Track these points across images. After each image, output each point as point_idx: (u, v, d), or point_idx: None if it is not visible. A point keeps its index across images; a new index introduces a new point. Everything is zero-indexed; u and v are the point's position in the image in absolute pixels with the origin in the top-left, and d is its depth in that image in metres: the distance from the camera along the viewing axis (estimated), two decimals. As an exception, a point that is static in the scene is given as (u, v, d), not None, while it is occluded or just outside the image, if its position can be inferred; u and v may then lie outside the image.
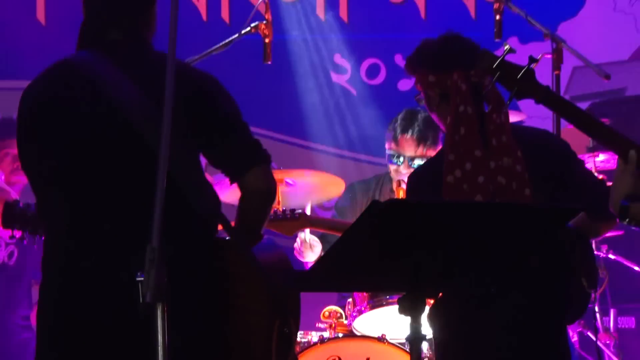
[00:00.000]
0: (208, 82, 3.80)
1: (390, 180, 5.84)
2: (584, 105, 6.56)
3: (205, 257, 3.51)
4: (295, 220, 5.35)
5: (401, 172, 5.66)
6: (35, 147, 3.73)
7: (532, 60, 3.65)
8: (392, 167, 5.73)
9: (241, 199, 3.62)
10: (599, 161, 5.35)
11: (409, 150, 5.64)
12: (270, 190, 3.69)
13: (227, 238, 3.60)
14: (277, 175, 5.57)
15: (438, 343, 4.25)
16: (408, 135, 5.66)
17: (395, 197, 5.62)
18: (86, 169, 3.64)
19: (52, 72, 3.72)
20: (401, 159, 5.65)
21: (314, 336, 5.53)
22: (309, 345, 5.38)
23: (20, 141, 3.74)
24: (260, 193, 3.65)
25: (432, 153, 5.58)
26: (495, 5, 5.71)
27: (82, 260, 3.63)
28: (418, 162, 5.60)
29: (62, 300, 3.66)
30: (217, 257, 3.58)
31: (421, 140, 5.66)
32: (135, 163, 3.62)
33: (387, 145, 5.75)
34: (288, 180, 5.65)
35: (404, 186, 5.47)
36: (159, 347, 3.37)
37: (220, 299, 3.53)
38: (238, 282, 3.50)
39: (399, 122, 5.72)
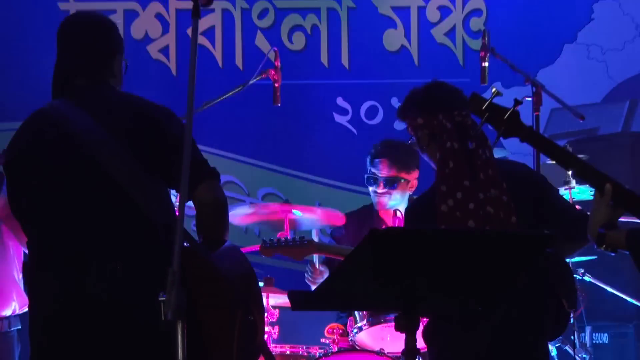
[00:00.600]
0: (165, 114, 3.75)
1: (374, 214, 5.84)
2: (561, 143, 6.49)
3: (163, 265, 3.36)
4: (304, 246, 5.32)
5: (378, 193, 5.65)
6: (14, 188, 3.81)
7: (517, 102, 3.63)
8: (371, 189, 5.68)
9: (196, 213, 3.62)
10: (576, 192, 5.30)
11: (384, 171, 5.60)
12: (217, 201, 3.64)
13: (187, 245, 3.51)
14: (286, 207, 5.56)
15: (431, 357, 4.21)
16: (383, 159, 5.62)
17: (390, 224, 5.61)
18: (57, 204, 3.70)
19: (29, 121, 3.81)
20: (377, 180, 5.60)
21: (318, 350, 5.45)
22: (314, 359, 5.35)
23: (8, 182, 3.81)
24: (209, 205, 3.60)
25: (405, 176, 5.64)
26: (481, 54, 5.70)
27: (44, 276, 3.70)
28: (390, 183, 5.61)
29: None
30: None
31: (395, 162, 5.63)
32: (99, 193, 3.65)
33: (367, 174, 5.71)
34: (295, 213, 5.62)
35: (399, 215, 5.48)
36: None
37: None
38: (198, 283, 3.40)
39: (375, 148, 5.69)
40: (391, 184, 5.62)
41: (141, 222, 3.63)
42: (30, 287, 3.80)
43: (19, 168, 3.80)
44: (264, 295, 5.57)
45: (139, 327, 3.58)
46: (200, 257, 3.49)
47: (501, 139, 3.69)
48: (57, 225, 3.71)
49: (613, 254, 3.52)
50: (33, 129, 3.80)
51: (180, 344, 3.30)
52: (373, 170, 5.62)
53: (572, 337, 5.46)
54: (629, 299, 5.56)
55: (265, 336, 5.38)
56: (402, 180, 5.66)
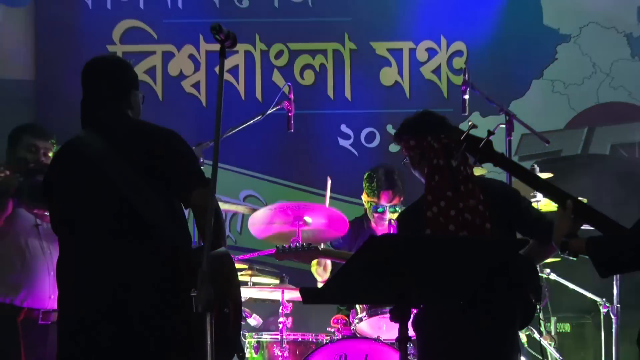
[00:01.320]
0: (170, 136, 3.76)
1: (364, 225, 5.85)
2: (529, 163, 6.51)
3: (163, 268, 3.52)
4: (311, 251, 5.32)
5: (383, 217, 5.66)
6: (50, 204, 3.84)
7: (490, 133, 3.69)
8: (376, 215, 5.69)
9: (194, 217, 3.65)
10: (542, 204, 5.30)
11: (387, 200, 5.64)
12: (207, 206, 3.47)
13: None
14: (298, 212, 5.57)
15: (420, 343, 4.21)
16: (388, 190, 5.64)
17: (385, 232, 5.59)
18: (82, 222, 3.69)
19: (61, 150, 3.91)
20: (381, 208, 5.63)
21: (325, 337, 5.44)
22: (322, 345, 5.31)
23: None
24: (201, 209, 3.51)
25: (402, 198, 5.67)
26: (462, 88, 5.69)
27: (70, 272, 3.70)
28: (394, 208, 5.64)
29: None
30: (175, 263, 3.55)
31: (396, 193, 5.66)
32: (109, 206, 3.63)
33: (368, 198, 5.71)
34: (307, 218, 5.62)
35: (392, 222, 5.49)
36: (208, 346, 3.30)
37: (174, 291, 3.50)
38: (187, 279, 3.33)
39: (378, 182, 5.67)
40: (394, 209, 5.64)
41: (142, 229, 3.61)
42: (59, 284, 3.81)
43: (49, 188, 3.84)
44: (279, 291, 5.56)
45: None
46: (192, 259, 3.43)
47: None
48: (73, 234, 3.71)
49: (575, 258, 3.54)
50: (59, 157, 3.88)
51: (208, 333, 3.30)
52: (379, 201, 5.62)
53: (539, 326, 5.45)
54: (587, 294, 5.53)
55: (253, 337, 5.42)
56: (400, 204, 5.68)
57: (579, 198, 3.57)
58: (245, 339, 5.60)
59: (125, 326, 3.58)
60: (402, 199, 5.64)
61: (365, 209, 5.80)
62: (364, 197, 5.74)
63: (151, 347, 3.54)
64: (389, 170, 5.72)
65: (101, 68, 3.86)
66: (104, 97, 3.77)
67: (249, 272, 5.62)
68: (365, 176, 5.74)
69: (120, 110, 3.77)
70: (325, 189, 5.89)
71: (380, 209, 5.63)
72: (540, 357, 5.59)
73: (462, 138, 3.68)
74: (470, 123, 3.73)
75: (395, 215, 5.57)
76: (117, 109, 3.77)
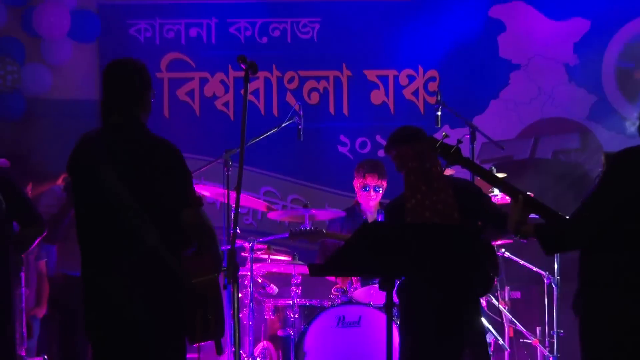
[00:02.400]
0: (168, 150, 3.40)
1: (356, 210, 5.82)
2: (488, 166, 6.50)
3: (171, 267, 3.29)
4: (317, 233, 5.33)
5: (370, 196, 5.66)
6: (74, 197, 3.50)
7: (459, 142, 3.71)
8: (364, 194, 5.67)
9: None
10: (498, 198, 5.29)
11: (372, 182, 5.60)
12: (196, 226, 3.32)
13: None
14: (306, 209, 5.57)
15: (402, 307, 4.21)
16: (373, 173, 5.63)
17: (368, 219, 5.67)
18: (94, 216, 3.38)
19: (80, 141, 3.47)
20: (367, 188, 5.61)
21: (327, 303, 5.43)
22: (325, 308, 5.33)
23: None
24: (190, 227, 3.30)
25: (383, 184, 5.65)
26: (436, 106, 5.69)
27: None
28: (377, 188, 5.62)
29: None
30: (166, 273, 3.28)
31: (380, 176, 5.63)
32: (112, 214, 3.31)
33: (358, 181, 5.70)
34: (313, 210, 5.63)
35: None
36: (235, 311, 3.29)
37: (163, 299, 3.28)
38: (175, 287, 3.25)
39: (365, 167, 5.68)
40: (377, 190, 5.64)
41: (136, 240, 3.28)
42: None
43: (72, 185, 3.52)
44: (291, 266, 5.56)
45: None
46: (178, 272, 3.25)
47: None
48: (89, 229, 3.43)
49: (525, 241, 3.54)
50: (75, 154, 3.47)
51: (235, 298, 3.31)
52: (364, 181, 5.64)
53: (496, 294, 5.45)
54: (534, 268, 5.54)
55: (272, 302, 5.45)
56: (383, 188, 5.69)
57: (528, 193, 3.57)
58: (264, 304, 5.61)
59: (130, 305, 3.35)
60: (384, 183, 5.65)
61: (357, 195, 5.79)
62: (355, 182, 5.74)
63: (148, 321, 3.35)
64: (374, 161, 5.80)
65: (117, 72, 3.46)
66: (114, 101, 3.42)
67: (268, 251, 5.62)
68: (356, 166, 5.75)
69: (128, 115, 3.39)
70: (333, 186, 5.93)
71: (366, 188, 5.64)
72: (497, 318, 5.60)
73: (437, 146, 3.70)
74: (443, 134, 3.77)
75: (379, 195, 5.63)
76: (131, 113, 3.40)
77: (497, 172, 5.68)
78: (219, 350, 3.44)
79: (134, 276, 3.26)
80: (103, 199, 3.26)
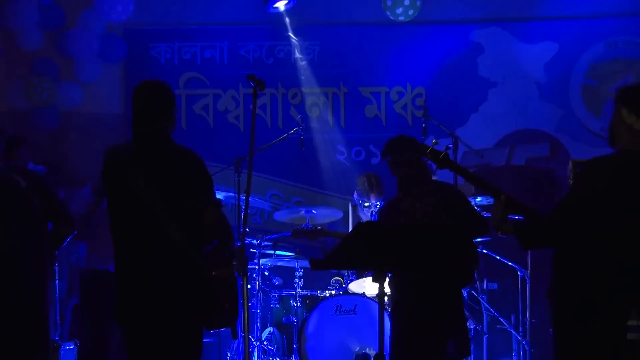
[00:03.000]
0: (190, 158, 3.47)
1: (356, 208, 5.77)
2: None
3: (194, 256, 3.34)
4: (317, 231, 5.31)
5: (370, 208, 5.58)
6: (107, 200, 3.56)
7: (447, 148, 3.70)
8: (365, 207, 5.60)
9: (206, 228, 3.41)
10: (478, 201, 5.27)
11: (374, 199, 5.57)
12: (215, 222, 3.38)
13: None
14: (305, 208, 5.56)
15: (393, 297, 4.20)
16: (373, 194, 5.58)
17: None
18: (126, 218, 3.44)
19: (110, 150, 3.52)
20: (367, 203, 5.53)
21: (326, 293, 5.42)
22: (324, 298, 5.33)
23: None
24: (209, 224, 3.38)
25: (380, 196, 5.59)
26: (422, 119, 5.69)
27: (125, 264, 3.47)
28: (375, 201, 5.55)
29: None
30: (189, 265, 3.33)
31: (378, 195, 5.58)
32: (143, 215, 3.36)
33: (359, 196, 5.65)
34: (314, 211, 5.63)
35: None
36: (244, 300, 3.29)
37: (186, 289, 3.33)
38: (197, 278, 3.31)
39: (366, 186, 5.61)
40: (376, 206, 5.63)
41: (162, 235, 3.34)
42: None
43: (105, 188, 3.57)
44: (295, 260, 5.56)
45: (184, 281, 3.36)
46: (200, 263, 3.31)
47: (439, 170, 3.77)
48: (121, 228, 3.49)
49: (505, 237, 3.53)
50: (108, 162, 3.51)
51: (245, 289, 3.30)
52: (367, 201, 5.57)
53: (476, 285, 5.45)
54: (509, 263, 5.54)
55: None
56: (380, 202, 5.68)
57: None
58: (270, 294, 5.60)
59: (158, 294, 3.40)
60: (381, 197, 5.64)
61: (356, 201, 5.75)
62: (357, 194, 5.69)
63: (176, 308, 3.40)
64: (377, 179, 5.68)
65: (146, 92, 3.53)
66: (143, 116, 3.48)
67: (274, 247, 5.62)
68: (360, 181, 5.68)
69: (156, 128, 3.46)
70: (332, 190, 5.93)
71: (368, 204, 5.60)
72: (477, 307, 5.59)
73: (428, 152, 3.66)
74: (434, 141, 3.72)
75: (377, 207, 5.62)
76: (155, 127, 3.45)
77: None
78: (235, 335, 3.50)
79: (160, 269, 3.30)
80: (133, 201, 3.31)
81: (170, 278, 3.30)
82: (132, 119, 3.48)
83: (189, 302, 3.29)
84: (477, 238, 4.41)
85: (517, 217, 3.68)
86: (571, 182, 3.39)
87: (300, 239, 5.47)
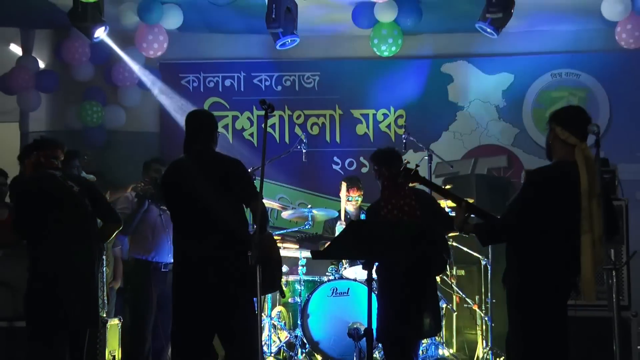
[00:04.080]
0: (239, 167, 3.65)
1: (345, 213, 5.73)
2: (441, 179, 6.52)
3: (236, 242, 3.45)
4: (317, 237, 5.44)
5: (352, 203, 5.65)
6: (168, 201, 3.77)
7: (416, 165, 3.77)
8: (347, 202, 5.66)
9: (252, 215, 3.58)
10: (448, 204, 5.28)
11: (354, 194, 5.61)
12: (258, 211, 3.46)
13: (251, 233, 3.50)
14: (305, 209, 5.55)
15: (379, 282, 4.19)
16: (354, 187, 5.63)
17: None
18: (184, 214, 3.60)
19: (171, 165, 3.78)
20: (350, 198, 5.58)
21: (324, 278, 5.42)
22: (322, 282, 5.32)
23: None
24: (255, 212, 3.47)
25: (361, 194, 5.63)
26: (403, 136, 5.71)
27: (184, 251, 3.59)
28: (357, 198, 5.59)
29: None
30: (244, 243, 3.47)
31: (358, 189, 5.63)
32: (205, 210, 3.51)
33: (343, 193, 5.63)
34: (314, 211, 5.62)
35: (362, 216, 5.50)
36: (259, 289, 3.29)
37: (241, 262, 3.44)
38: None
39: (349, 183, 5.64)
40: (357, 199, 5.65)
41: (222, 224, 3.49)
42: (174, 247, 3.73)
43: (164, 193, 3.76)
44: (299, 251, 5.56)
45: (230, 269, 3.48)
46: (252, 240, 3.38)
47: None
48: (180, 223, 3.64)
49: (467, 235, 3.56)
50: (169, 171, 3.74)
51: (259, 278, 3.31)
52: (349, 194, 5.61)
53: (447, 272, 5.45)
54: (474, 253, 5.53)
55: (284, 278, 5.39)
56: (361, 197, 5.69)
57: (469, 200, 3.58)
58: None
59: (215, 270, 3.50)
60: (361, 193, 5.65)
61: (342, 201, 5.74)
62: (341, 193, 5.69)
63: (232, 282, 3.49)
64: (355, 177, 5.79)
65: (197, 118, 3.77)
66: (197, 136, 3.67)
67: (281, 241, 5.63)
68: (343, 185, 5.74)
69: (207, 145, 3.67)
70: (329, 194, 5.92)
71: (350, 198, 5.63)
72: (448, 290, 5.59)
73: (401, 169, 3.74)
74: (405, 161, 3.82)
75: (358, 202, 5.63)
76: (205, 144, 3.66)
77: (448, 183, 5.70)
78: (282, 295, 3.84)
79: (221, 248, 3.46)
80: (192, 198, 3.49)
81: (228, 254, 3.44)
82: (186, 139, 3.67)
83: (243, 273, 3.36)
84: (446, 234, 4.41)
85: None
86: (521, 187, 3.42)
87: (305, 243, 5.51)
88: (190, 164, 3.60)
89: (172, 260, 5.08)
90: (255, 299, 3.48)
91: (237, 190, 3.54)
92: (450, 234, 5.14)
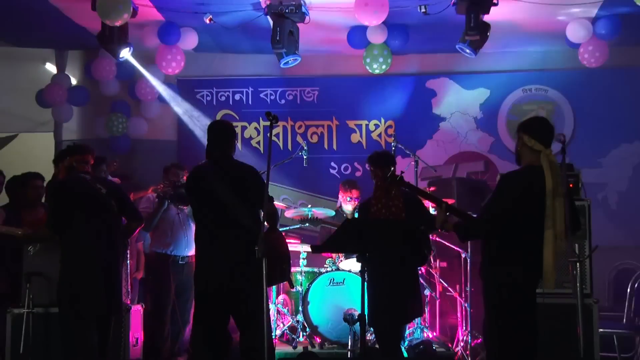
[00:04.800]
0: (254, 173, 3.67)
1: (340, 212, 5.71)
2: (426, 181, 6.51)
3: (249, 238, 3.41)
4: (316, 220, 5.36)
5: (350, 203, 5.58)
6: (191, 200, 3.74)
7: (402, 172, 3.80)
8: (345, 202, 5.62)
9: (264, 215, 3.53)
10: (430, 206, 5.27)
11: (354, 195, 5.56)
12: (270, 212, 3.52)
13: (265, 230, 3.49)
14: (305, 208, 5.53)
15: (370, 273, 4.18)
16: (353, 189, 5.57)
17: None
18: (205, 213, 3.59)
19: (195, 169, 3.74)
20: (349, 198, 5.54)
21: (323, 270, 5.42)
22: (321, 273, 5.32)
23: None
24: (267, 213, 3.49)
25: (359, 195, 5.54)
26: (392, 144, 5.70)
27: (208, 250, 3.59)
28: (356, 199, 5.52)
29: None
30: (250, 237, 3.43)
31: (355, 192, 5.55)
32: (224, 210, 3.53)
33: (341, 195, 5.64)
34: (313, 210, 5.62)
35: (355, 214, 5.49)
36: (264, 280, 3.29)
37: (252, 250, 3.37)
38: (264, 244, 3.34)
39: (346, 186, 5.60)
40: (355, 200, 5.62)
41: (238, 222, 3.51)
42: (197, 244, 3.71)
43: (188, 195, 3.76)
44: (300, 246, 5.56)
45: (246, 263, 3.48)
46: (264, 237, 3.37)
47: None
48: (202, 221, 3.62)
49: (448, 233, 3.56)
50: (192, 175, 3.71)
51: (264, 269, 3.31)
52: (347, 195, 5.60)
53: (431, 264, 5.45)
54: (455, 247, 5.51)
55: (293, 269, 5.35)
56: (358, 198, 5.68)
57: (448, 201, 3.58)
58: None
59: (231, 263, 3.52)
60: (359, 195, 5.64)
61: (341, 201, 5.74)
62: (340, 194, 5.68)
63: (245, 273, 3.50)
64: (352, 182, 5.72)
65: (218, 128, 3.75)
66: (217, 143, 3.66)
67: (285, 236, 5.61)
68: (342, 182, 5.71)
69: (226, 152, 3.67)
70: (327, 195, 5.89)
71: (349, 199, 5.60)
72: (432, 280, 5.58)
73: (388, 176, 3.76)
74: (392, 169, 3.82)
75: (356, 203, 5.61)
76: (225, 151, 3.67)
77: (432, 185, 5.70)
78: (291, 284, 3.85)
79: (239, 241, 3.48)
80: (213, 198, 3.51)
81: (243, 249, 3.45)
82: (208, 145, 3.67)
83: (256, 266, 3.35)
84: (430, 232, 4.40)
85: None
86: (494, 190, 3.43)
87: (304, 230, 5.47)
88: (211, 169, 3.61)
89: (188, 254, 5.15)
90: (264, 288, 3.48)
91: (250, 192, 3.55)
92: (433, 232, 5.13)
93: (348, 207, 5.69)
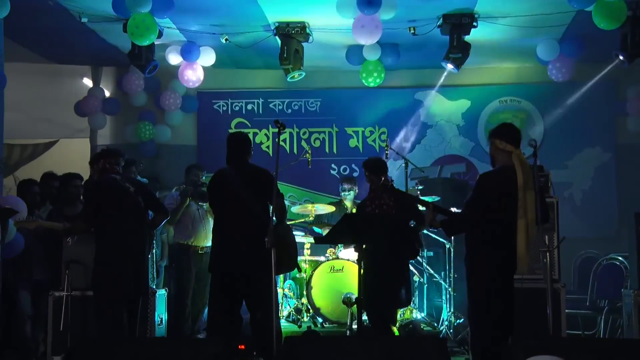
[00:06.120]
0: (268, 175, 3.67)
1: (341, 205, 5.65)
2: (414, 182, 6.48)
3: (263, 231, 3.39)
4: (324, 223, 5.35)
5: (347, 198, 5.57)
6: (212, 197, 3.78)
7: (391, 180, 3.87)
8: (346, 198, 5.58)
9: (274, 209, 3.50)
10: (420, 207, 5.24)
11: (351, 190, 5.54)
12: (279, 207, 3.52)
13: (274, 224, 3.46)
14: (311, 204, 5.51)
15: (366, 261, 4.16)
16: (351, 185, 5.55)
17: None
18: (225, 209, 3.64)
19: (217, 172, 3.78)
20: (346, 193, 5.52)
21: (324, 258, 5.42)
22: (321, 262, 5.31)
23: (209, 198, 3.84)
24: (276, 208, 3.47)
25: (355, 188, 5.50)
26: (386, 149, 5.68)
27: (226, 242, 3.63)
28: (353, 194, 5.46)
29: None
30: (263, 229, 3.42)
31: (354, 186, 5.55)
32: (242, 206, 3.57)
33: (341, 189, 5.62)
34: (316, 206, 5.61)
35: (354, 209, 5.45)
36: (273, 269, 3.28)
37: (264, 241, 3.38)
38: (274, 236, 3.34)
39: (347, 182, 5.59)
40: (352, 195, 5.60)
41: (253, 217, 3.54)
42: (214, 235, 3.74)
43: (211, 193, 3.77)
44: (304, 238, 5.55)
45: (259, 254, 3.45)
46: (275, 230, 3.38)
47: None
48: (221, 215, 3.67)
49: (436, 230, 3.55)
50: (214, 178, 3.77)
51: (273, 257, 3.31)
52: (346, 191, 5.57)
53: (420, 255, 5.43)
54: (440, 239, 5.53)
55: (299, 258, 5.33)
56: (355, 192, 5.66)
57: (433, 201, 3.58)
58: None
59: (244, 252, 3.53)
60: (355, 189, 5.62)
61: (340, 194, 5.72)
62: (340, 188, 5.66)
63: (256, 261, 3.48)
64: (351, 178, 5.72)
65: (235, 138, 3.83)
66: (236, 151, 3.73)
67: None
68: (342, 182, 5.71)
69: (244, 158, 3.72)
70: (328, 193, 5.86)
71: (345, 193, 5.56)
72: (420, 267, 5.58)
73: (380, 184, 3.79)
74: (382, 178, 3.79)
75: (353, 198, 5.59)
76: (243, 157, 3.73)
77: (420, 184, 5.68)
78: (299, 270, 3.95)
79: (253, 234, 3.49)
80: (233, 196, 3.55)
81: (258, 239, 3.43)
82: (228, 152, 3.74)
83: (268, 255, 3.35)
84: (420, 229, 4.37)
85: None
86: (473, 188, 3.43)
87: (310, 230, 5.46)
88: (231, 172, 3.68)
89: (207, 244, 5.16)
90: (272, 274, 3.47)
91: (264, 191, 3.58)
92: (423, 229, 5.11)
93: (349, 197, 5.65)
